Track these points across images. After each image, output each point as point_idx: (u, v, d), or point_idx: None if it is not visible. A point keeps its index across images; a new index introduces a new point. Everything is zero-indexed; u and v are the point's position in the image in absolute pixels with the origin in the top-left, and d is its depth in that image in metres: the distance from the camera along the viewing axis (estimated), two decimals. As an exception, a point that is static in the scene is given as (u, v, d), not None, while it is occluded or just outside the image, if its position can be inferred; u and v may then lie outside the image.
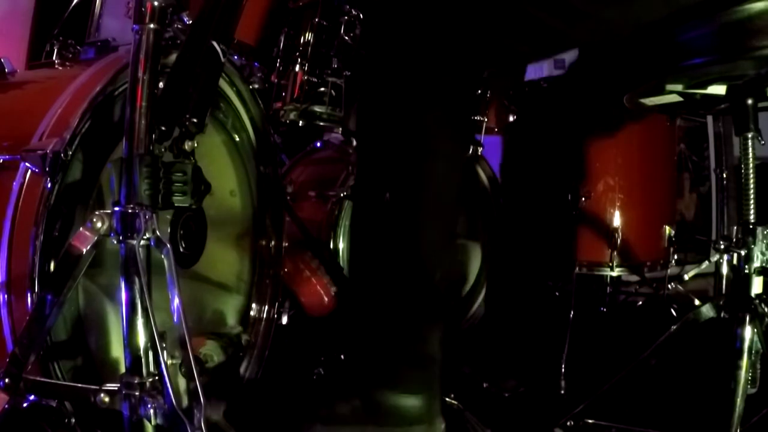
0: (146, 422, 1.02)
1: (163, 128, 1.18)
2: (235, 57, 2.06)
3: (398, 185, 1.21)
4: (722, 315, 1.36)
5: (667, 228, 2.33)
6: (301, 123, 2.18)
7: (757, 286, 1.28)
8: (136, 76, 1.09)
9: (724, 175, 2.95)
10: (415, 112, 1.21)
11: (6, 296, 1.16)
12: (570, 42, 1.34)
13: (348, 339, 1.31)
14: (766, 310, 1.26)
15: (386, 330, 1.22)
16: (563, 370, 1.89)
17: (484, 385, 1.76)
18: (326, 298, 1.93)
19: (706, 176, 3.42)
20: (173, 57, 1.30)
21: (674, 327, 1.45)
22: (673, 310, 2.34)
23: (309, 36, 2.15)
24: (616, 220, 2.25)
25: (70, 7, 1.88)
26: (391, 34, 1.25)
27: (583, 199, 2.26)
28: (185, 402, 1.04)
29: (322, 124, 2.25)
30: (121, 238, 1.06)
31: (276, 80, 2.20)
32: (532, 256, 1.98)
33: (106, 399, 1.04)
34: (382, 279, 1.23)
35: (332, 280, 1.96)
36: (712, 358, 1.37)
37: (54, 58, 1.49)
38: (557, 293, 2.43)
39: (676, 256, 2.37)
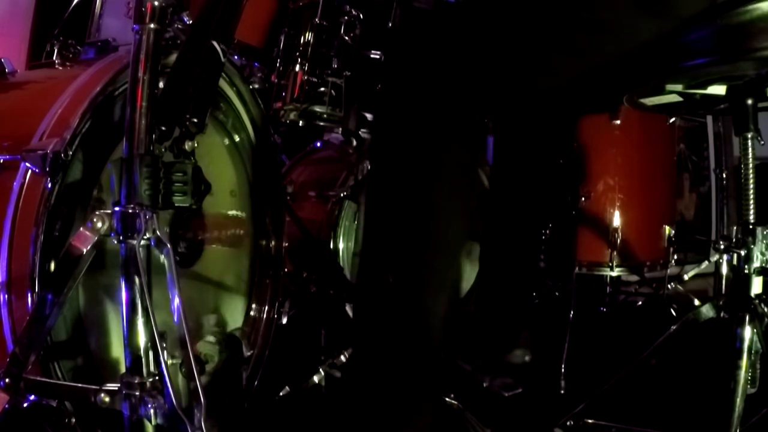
0: (146, 422, 1.02)
1: (163, 128, 1.18)
2: (236, 57, 2.06)
3: (401, 268, 1.21)
4: (722, 315, 1.36)
5: (667, 228, 2.33)
6: (301, 123, 2.18)
7: (756, 286, 1.28)
8: (137, 76, 1.09)
9: (724, 175, 2.94)
10: (421, 198, 1.21)
11: (6, 296, 1.16)
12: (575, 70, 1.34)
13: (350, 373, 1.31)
14: (765, 310, 1.26)
15: (382, 377, 1.22)
16: (563, 370, 1.89)
17: (484, 385, 1.76)
18: None
19: (705, 176, 3.42)
20: (173, 57, 1.30)
21: (674, 327, 1.45)
22: (672, 310, 2.34)
23: (309, 36, 2.15)
24: (616, 220, 2.25)
25: (71, 7, 1.88)
26: (405, 90, 1.25)
27: (583, 199, 2.26)
28: (185, 402, 1.04)
29: (322, 124, 2.25)
30: (121, 238, 1.06)
31: (276, 80, 2.20)
32: (532, 256, 1.98)
33: (107, 399, 1.04)
34: (384, 333, 1.23)
35: (332, 281, 1.96)
36: (712, 358, 1.37)
37: (54, 58, 1.48)
38: (557, 293, 2.43)
39: (675, 256, 2.37)
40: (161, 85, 1.17)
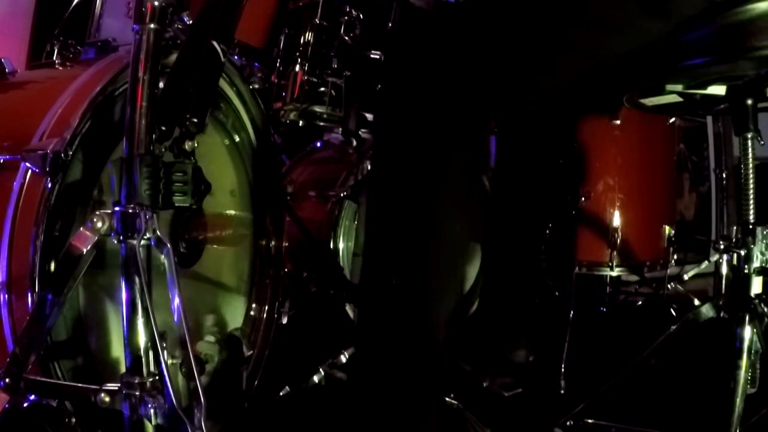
0: (146, 422, 1.02)
1: (163, 128, 1.18)
2: (236, 57, 2.06)
3: (404, 271, 1.21)
4: (722, 315, 1.36)
5: (667, 228, 2.33)
6: (301, 123, 2.18)
7: (756, 286, 1.28)
8: (137, 76, 1.09)
9: (724, 175, 2.94)
10: (424, 198, 1.21)
11: (6, 296, 1.16)
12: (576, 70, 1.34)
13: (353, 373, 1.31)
14: (765, 310, 1.26)
15: (386, 377, 1.22)
16: (563, 370, 1.89)
17: (484, 385, 1.76)
18: None
19: (705, 176, 3.42)
20: (173, 57, 1.30)
21: (674, 327, 1.45)
22: (672, 310, 2.35)
23: (309, 36, 2.15)
24: (616, 220, 2.25)
25: (71, 7, 1.88)
26: (406, 97, 1.25)
27: (583, 199, 2.26)
28: (185, 402, 1.04)
29: (322, 124, 2.25)
30: (121, 238, 1.06)
31: (276, 80, 2.20)
32: (532, 256, 1.98)
33: (107, 399, 1.04)
34: (387, 333, 1.22)
35: (332, 281, 1.96)
36: (712, 358, 1.37)
37: (54, 58, 1.49)
38: (557, 293, 2.43)
39: (675, 256, 2.37)
40: (161, 85, 1.17)
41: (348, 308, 2.02)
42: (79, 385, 1.11)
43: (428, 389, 1.21)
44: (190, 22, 1.49)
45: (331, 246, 2.14)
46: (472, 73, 1.22)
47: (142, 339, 1.03)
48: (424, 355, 1.20)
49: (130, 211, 1.06)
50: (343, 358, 1.76)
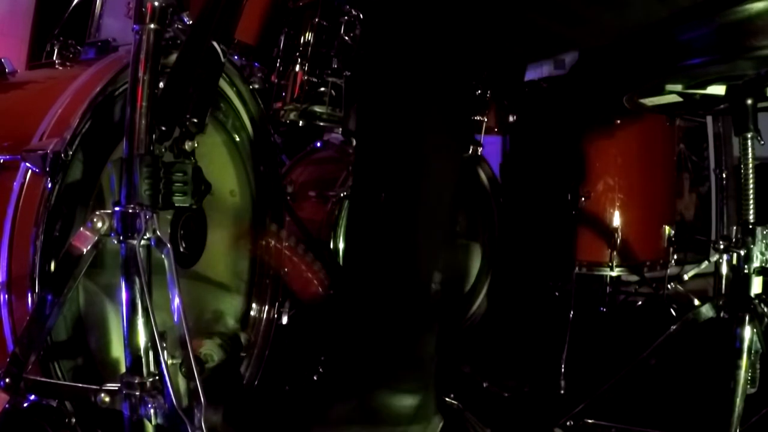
0: (146, 422, 1.02)
1: (163, 128, 1.18)
2: (235, 57, 2.06)
3: (393, 186, 1.21)
4: (722, 315, 1.36)
5: (667, 228, 2.33)
6: (301, 123, 2.18)
7: (756, 286, 1.28)
8: (137, 76, 1.09)
9: (724, 175, 2.95)
10: (411, 114, 1.21)
11: (6, 296, 1.16)
12: (568, 44, 1.34)
13: (344, 340, 1.31)
14: (765, 310, 1.26)
15: (381, 332, 1.21)
16: (563, 370, 1.89)
17: (484, 385, 1.76)
18: (317, 283, 1.92)
19: (705, 176, 3.42)
20: (173, 57, 1.30)
21: (674, 327, 1.45)
22: (672, 310, 2.35)
23: (309, 36, 2.15)
24: (616, 220, 2.25)
25: (71, 7, 1.88)
26: (389, 36, 1.25)
27: (583, 199, 2.26)
28: (185, 402, 1.04)
29: (322, 124, 2.25)
30: (121, 238, 1.06)
31: (276, 80, 2.20)
32: (532, 256, 1.98)
33: (107, 399, 1.04)
34: (377, 280, 1.22)
35: (330, 278, 1.96)
36: (712, 358, 1.37)
37: (54, 58, 1.49)
38: (557, 293, 2.43)
39: (675, 256, 2.37)
40: (161, 85, 1.17)
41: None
42: (79, 385, 1.11)
43: (415, 313, 1.20)
44: (190, 22, 1.49)
45: (331, 246, 2.14)
46: (461, 60, 1.22)
47: (142, 339, 1.03)
48: (409, 274, 1.19)
49: (130, 211, 1.06)
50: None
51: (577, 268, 2.26)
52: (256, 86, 2.07)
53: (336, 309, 1.69)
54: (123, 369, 1.05)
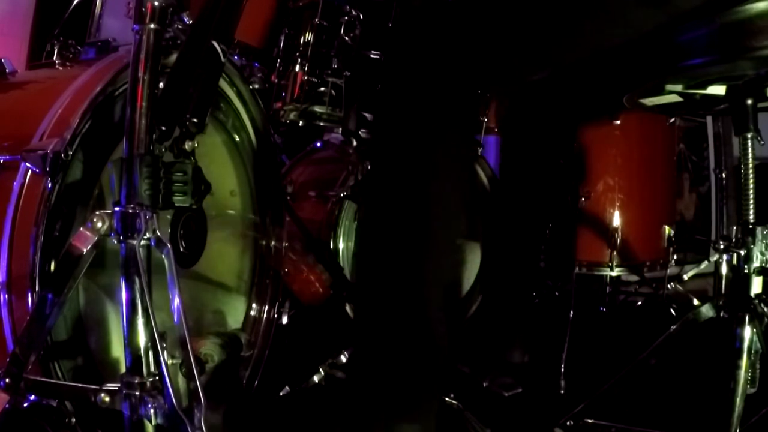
0: (146, 422, 1.02)
1: (163, 128, 1.18)
2: (235, 57, 2.06)
3: (400, 266, 1.21)
4: (722, 315, 1.36)
5: (667, 228, 2.33)
6: (301, 123, 2.18)
7: (756, 286, 1.28)
8: (137, 76, 1.09)
9: (724, 175, 2.95)
10: (418, 194, 1.21)
11: (6, 296, 1.16)
12: (565, 58, 1.34)
13: (352, 372, 1.31)
14: (765, 309, 1.26)
15: (385, 375, 1.21)
16: (563, 370, 1.89)
17: (484, 385, 1.76)
18: (318, 285, 1.92)
19: (705, 176, 3.42)
20: (173, 57, 1.30)
21: (674, 327, 1.45)
22: (672, 310, 2.34)
23: (309, 36, 2.15)
24: (616, 220, 2.25)
25: (71, 7, 1.88)
26: (398, 78, 1.26)
27: (583, 199, 2.26)
28: (185, 402, 1.04)
29: (322, 124, 2.25)
30: (121, 238, 1.06)
31: (276, 80, 2.20)
32: (532, 256, 1.98)
33: (107, 399, 1.04)
34: (385, 331, 1.22)
35: (330, 277, 1.96)
36: (712, 358, 1.37)
37: (54, 58, 1.48)
38: (557, 293, 2.43)
39: (675, 256, 2.37)
40: (161, 85, 1.17)
41: (348, 308, 2.02)
42: (79, 385, 1.11)
43: (427, 386, 1.21)
44: (190, 22, 1.50)
45: (331, 246, 2.14)
46: (469, 70, 1.22)
47: (142, 339, 1.03)
48: (422, 352, 1.20)
49: (130, 211, 1.06)
50: (343, 358, 1.75)
51: (577, 268, 2.26)
52: (256, 86, 2.07)
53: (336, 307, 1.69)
54: (123, 369, 1.05)
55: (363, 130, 2.28)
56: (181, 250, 1.44)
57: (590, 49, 1.23)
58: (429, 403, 1.21)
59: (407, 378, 1.19)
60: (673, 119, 2.39)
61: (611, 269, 2.25)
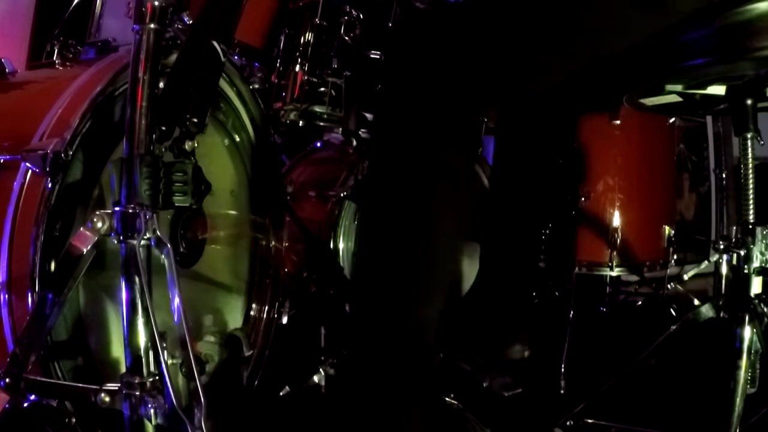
0: (146, 422, 1.02)
1: (163, 128, 1.18)
2: (236, 57, 2.06)
3: (396, 269, 1.21)
4: (722, 315, 1.36)
5: (667, 228, 2.33)
6: (301, 123, 2.18)
7: (756, 286, 1.28)
8: (137, 77, 1.09)
9: (724, 176, 2.95)
10: (418, 197, 1.21)
11: (6, 296, 1.17)
12: (566, 68, 1.34)
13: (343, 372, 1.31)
14: (765, 310, 1.26)
15: (370, 376, 1.22)
16: (563, 370, 1.89)
17: (484, 385, 1.76)
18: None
19: (705, 176, 3.42)
20: (173, 57, 1.30)
21: (674, 327, 1.45)
22: (672, 310, 2.35)
23: (309, 36, 2.15)
24: (616, 220, 2.25)
25: (71, 7, 1.88)
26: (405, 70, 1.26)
27: (583, 199, 2.26)
28: (185, 402, 1.04)
29: (322, 124, 2.25)
30: (121, 238, 1.06)
31: (276, 80, 2.20)
32: (532, 256, 1.98)
33: (107, 399, 1.04)
34: (374, 332, 1.23)
35: (332, 281, 1.96)
36: (712, 358, 1.37)
37: (54, 58, 1.49)
38: (557, 293, 2.43)
39: (675, 256, 2.37)
40: (161, 85, 1.17)
41: (348, 308, 2.02)
42: (79, 385, 1.11)
43: (416, 388, 1.21)
44: (190, 22, 1.50)
45: (331, 246, 2.14)
46: (470, 73, 1.22)
47: (142, 339, 1.03)
48: (412, 352, 1.20)
49: (130, 211, 1.06)
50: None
51: (577, 268, 2.27)
52: (256, 86, 2.07)
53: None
54: (123, 369, 1.05)
55: (363, 130, 2.28)
56: (181, 250, 1.44)
57: (591, 56, 1.23)
58: (416, 407, 1.21)
59: (392, 380, 1.19)
60: (673, 119, 2.39)
61: (611, 269, 2.25)
